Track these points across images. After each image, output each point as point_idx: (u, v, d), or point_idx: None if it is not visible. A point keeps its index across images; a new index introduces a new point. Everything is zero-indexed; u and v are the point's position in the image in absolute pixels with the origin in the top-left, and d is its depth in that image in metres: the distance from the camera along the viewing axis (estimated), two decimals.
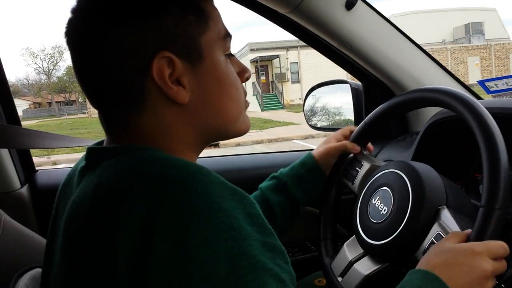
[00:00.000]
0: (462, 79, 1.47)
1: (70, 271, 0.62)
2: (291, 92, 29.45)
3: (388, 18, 1.32)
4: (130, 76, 0.65)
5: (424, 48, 1.40)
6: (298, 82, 29.81)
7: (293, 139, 13.07)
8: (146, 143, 0.67)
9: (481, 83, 1.50)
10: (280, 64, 29.30)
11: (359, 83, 1.54)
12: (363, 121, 1.10)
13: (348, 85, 1.57)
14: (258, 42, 29.54)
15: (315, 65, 28.54)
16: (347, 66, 1.45)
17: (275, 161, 1.68)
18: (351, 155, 1.11)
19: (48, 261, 0.73)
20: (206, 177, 0.59)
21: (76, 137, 1.46)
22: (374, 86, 1.46)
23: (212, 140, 0.75)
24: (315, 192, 1.14)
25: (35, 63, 63.05)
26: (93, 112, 31.26)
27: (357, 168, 1.08)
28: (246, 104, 0.78)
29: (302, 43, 1.54)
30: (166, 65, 0.65)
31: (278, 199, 1.10)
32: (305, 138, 12.86)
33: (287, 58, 29.28)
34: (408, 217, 0.82)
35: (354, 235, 0.98)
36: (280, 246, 0.60)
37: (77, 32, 0.67)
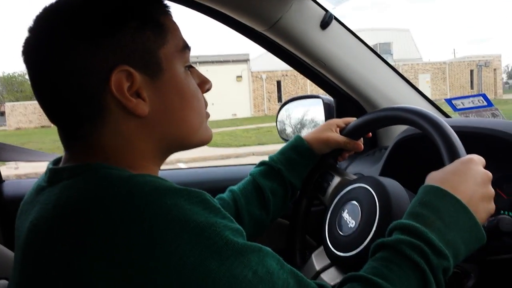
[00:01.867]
0: None
1: None
2: None
3: None
4: (89, 91, 0.65)
5: None
6: None
7: None
8: (106, 159, 0.67)
9: (449, 101, 1.57)
10: None
11: (331, 98, 1.59)
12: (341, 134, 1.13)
13: (321, 100, 1.62)
14: None
15: (216, 82, 28.13)
16: (320, 83, 1.50)
17: (232, 174, 1.68)
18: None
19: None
20: (166, 189, 0.60)
21: (42, 152, 1.45)
22: (346, 102, 1.51)
23: (174, 151, 0.76)
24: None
25: None
26: (9, 126, 29.54)
27: (328, 181, 1.11)
28: (207, 115, 0.79)
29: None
30: (125, 78, 0.66)
31: (271, 185, 1.09)
32: None
33: None
34: (374, 231, 0.86)
35: (322, 246, 1.02)
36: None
37: (35, 50, 0.67)
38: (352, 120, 1.14)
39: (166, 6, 0.74)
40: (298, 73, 1.45)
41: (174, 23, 0.74)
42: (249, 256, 0.59)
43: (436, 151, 0.85)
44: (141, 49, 0.67)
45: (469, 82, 34.69)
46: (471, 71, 34.20)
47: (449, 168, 0.79)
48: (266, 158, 1.15)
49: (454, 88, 34.18)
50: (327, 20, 1.32)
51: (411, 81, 1.48)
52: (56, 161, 0.75)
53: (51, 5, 0.69)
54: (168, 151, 0.75)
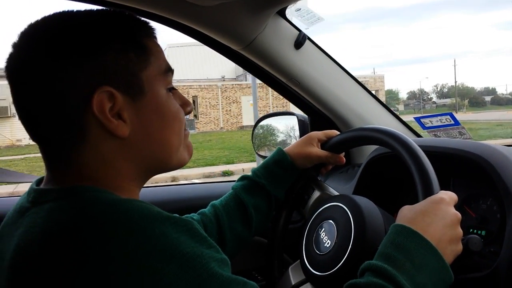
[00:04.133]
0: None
1: None
2: (18, 130, 22.91)
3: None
4: (70, 110, 0.65)
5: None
6: None
7: None
8: (89, 181, 0.67)
9: (418, 119, 1.62)
10: None
11: (305, 115, 1.61)
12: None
13: (295, 117, 1.64)
14: None
15: None
16: (295, 101, 1.53)
17: (213, 191, 1.68)
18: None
19: None
20: (154, 216, 0.61)
21: (18, 172, 1.42)
22: (320, 119, 1.54)
23: (155, 173, 0.76)
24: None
25: None
26: None
27: (309, 193, 1.12)
28: (186, 133, 0.79)
29: None
30: (107, 99, 0.66)
31: (254, 200, 1.09)
32: None
33: None
34: (349, 253, 0.88)
35: (299, 260, 1.03)
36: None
37: (18, 67, 0.67)
38: (334, 133, 1.13)
39: (150, 28, 0.75)
40: None
41: (158, 45, 0.75)
42: None
43: (406, 168, 0.88)
44: (123, 70, 0.68)
45: None
46: None
47: (420, 207, 0.80)
48: None
49: None
50: (300, 40, 1.35)
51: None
52: (39, 181, 0.74)
53: (36, 23, 0.69)
54: (149, 173, 0.75)
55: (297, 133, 1.63)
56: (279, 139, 1.76)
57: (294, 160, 1.11)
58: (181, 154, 0.78)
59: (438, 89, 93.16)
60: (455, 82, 60.40)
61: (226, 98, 30.22)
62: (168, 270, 0.56)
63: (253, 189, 1.10)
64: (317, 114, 1.53)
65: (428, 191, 0.82)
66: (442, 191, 0.82)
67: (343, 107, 1.47)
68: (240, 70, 32.60)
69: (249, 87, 29.29)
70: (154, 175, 0.77)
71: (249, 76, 30.47)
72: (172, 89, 0.77)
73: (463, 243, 0.80)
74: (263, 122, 1.75)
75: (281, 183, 1.11)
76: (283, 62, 1.35)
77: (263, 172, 1.12)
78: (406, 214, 0.80)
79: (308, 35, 1.37)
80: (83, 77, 0.65)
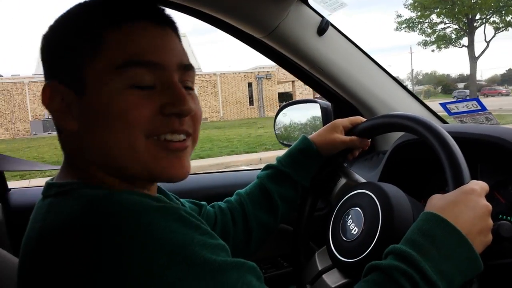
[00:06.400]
0: None
1: None
2: None
3: None
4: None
5: None
6: None
7: None
8: (80, 175, 0.69)
9: (443, 105, 1.60)
10: None
11: (328, 103, 1.60)
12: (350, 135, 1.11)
13: (318, 104, 1.63)
14: None
15: None
16: (318, 88, 1.51)
17: (239, 179, 1.68)
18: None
19: None
20: (142, 207, 0.60)
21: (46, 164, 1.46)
22: (343, 106, 1.53)
23: (124, 177, 0.70)
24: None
25: None
26: None
27: (335, 180, 1.11)
28: (160, 140, 0.69)
29: None
30: (53, 92, 0.68)
31: (280, 189, 1.09)
32: None
33: None
34: (376, 240, 0.87)
35: (325, 246, 1.03)
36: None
37: None
38: (359, 120, 1.12)
39: (120, 18, 0.69)
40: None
41: (124, 37, 0.68)
42: (228, 274, 0.59)
43: (432, 154, 0.86)
44: (69, 64, 0.68)
45: (247, 97, 30.45)
46: (249, 84, 29.95)
47: (451, 197, 0.78)
48: None
49: (229, 104, 30.29)
50: (323, 26, 1.34)
51: None
52: None
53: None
54: (121, 176, 0.70)
55: (320, 120, 1.62)
56: (302, 127, 1.75)
57: (319, 147, 1.10)
58: (147, 164, 0.68)
59: (413, 77, 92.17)
60: (412, 70, 60.16)
61: None
62: (158, 260, 0.55)
63: (278, 178, 1.10)
64: (341, 101, 1.52)
65: (459, 181, 0.80)
66: (473, 181, 0.80)
67: (367, 94, 1.45)
68: None
69: None
70: (137, 180, 0.71)
71: None
72: (138, 86, 0.67)
73: (494, 228, 0.79)
74: (284, 110, 1.74)
75: (307, 171, 1.11)
76: (306, 49, 1.34)
77: (288, 160, 1.11)
78: (436, 203, 0.78)
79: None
80: (44, 72, 0.72)
